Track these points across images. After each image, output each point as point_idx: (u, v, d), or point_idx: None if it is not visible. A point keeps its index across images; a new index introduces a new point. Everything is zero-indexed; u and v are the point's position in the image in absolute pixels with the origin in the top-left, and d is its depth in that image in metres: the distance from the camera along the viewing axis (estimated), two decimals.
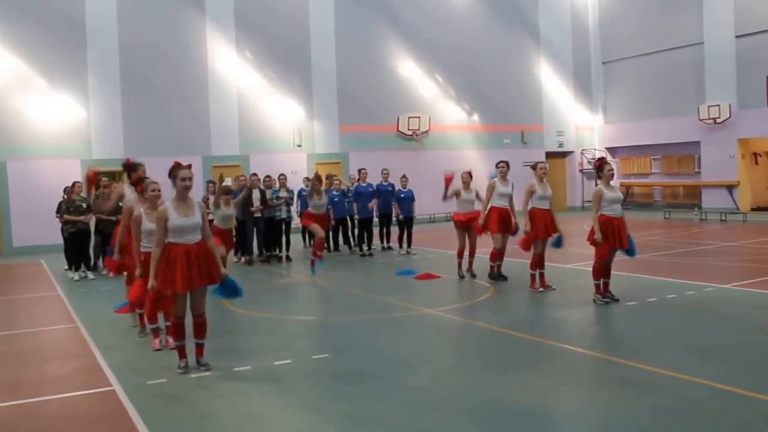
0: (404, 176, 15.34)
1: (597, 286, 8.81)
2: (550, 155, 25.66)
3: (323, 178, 13.37)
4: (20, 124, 18.05)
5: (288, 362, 6.56)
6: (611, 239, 8.54)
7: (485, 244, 11.46)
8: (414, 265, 12.76)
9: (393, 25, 23.22)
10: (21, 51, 18.09)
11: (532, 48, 26.02)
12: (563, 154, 26.87)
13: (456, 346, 7.41)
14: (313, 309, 9.76)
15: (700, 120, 23.14)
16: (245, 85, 20.92)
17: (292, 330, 8.23)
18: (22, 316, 9.74)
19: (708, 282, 10.02)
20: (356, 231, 15.50)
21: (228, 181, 14.97)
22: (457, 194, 11.07)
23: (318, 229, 12.34)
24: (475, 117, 24.82)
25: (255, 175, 14.97)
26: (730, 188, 22.89)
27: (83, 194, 13.10)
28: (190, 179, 6.25)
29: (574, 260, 12.32)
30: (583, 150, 27.00)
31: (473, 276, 11.05)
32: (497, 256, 10.58)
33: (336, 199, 14.86)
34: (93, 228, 13.07)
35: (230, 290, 6.44)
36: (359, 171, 15.74)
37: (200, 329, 6.33)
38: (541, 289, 9.74)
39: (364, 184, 15.34)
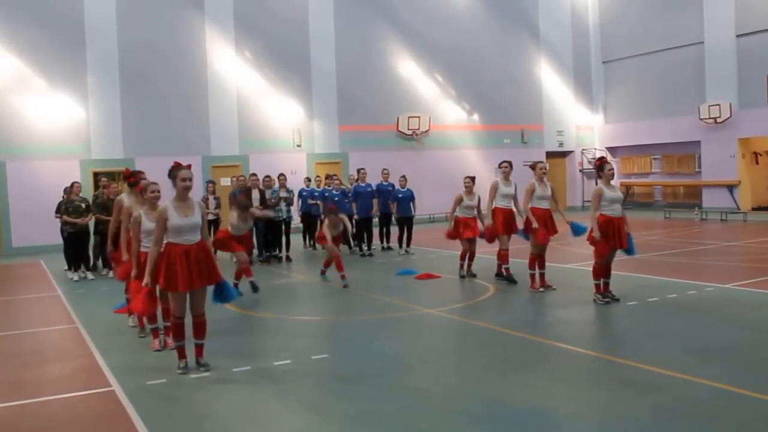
0: (403, 177, 15.35)
1: (597, 286, 8.80)
2: (550, 155, 25.65)
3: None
4: (19, 125, 18.03)
5: (288, 362, 6.55)
6: (611, 239, 8.53)
7: (485, 244, 11.45)
8: (414, 265, 12.75)
9: (393, 25, 23.20)
10: (20, 51, 18.08)
11: (532, 47, 26.00)
12: (563, 154, 26.86)
13: (456, 346, 7.39)
14: (313, 309, 9.75)
15: (701, 119, 23.12)
16: (245, 85, 20.91)
17: (292, 330, 8.21)
18: (22, 316, 9.73)
19: (708, 282, 10.01)
20: (354, 231, 15.48)
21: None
22: (459, 201, 11.04)
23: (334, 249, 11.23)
24: (475, 117, 24.81)
25: (254, 175, 14.96)
26: (731, 188, 22.88)
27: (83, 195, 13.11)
28: (191, 179, 6.24)
29: (574, 260, 12.31)
30: (583, 150, 26.99)
31: (473, 276, 11.06)
32: (506, 257, 10.47)
33: (336, 199, 14.84)
34: (92, 228, 13.07)
35: (225, 294, 6.43)
36: (358, 171, 15.74)
37: (200, 329, 6.32)
38: (541, 289, 9.72)
39: (363, 184, 15.33)
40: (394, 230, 15.43)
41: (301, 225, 16.28)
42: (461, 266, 11.20)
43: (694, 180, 24.23)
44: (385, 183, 15.34)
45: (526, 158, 21.34)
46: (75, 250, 12.81)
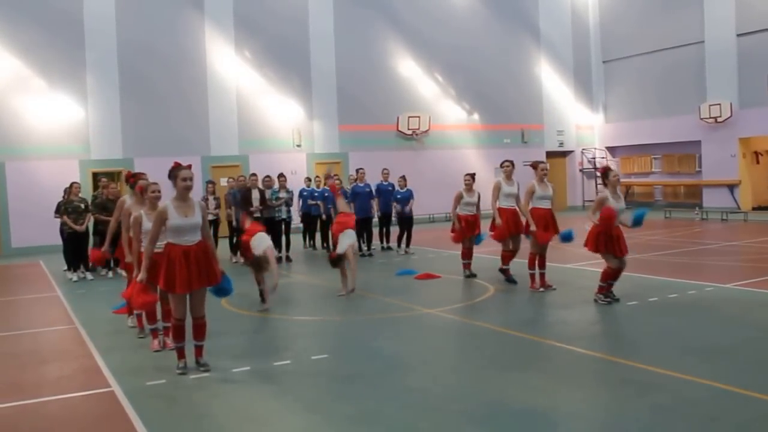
0: (402, 177, 15.34)
1: (602, 287, 8.77)
2: (550, 155, 25.63)
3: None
4: (19, 125, 18.02)
5: (287, 363, 6.55)
6: (611, 247, 8.51)
7: (486, 244, 11.44)
8: (414, 265, 12.75)
9: (393, 24, 23.20)
10: (19, 51, 18.07)
11: (532, 47, 25.99)
12: (563, 154, 26.85)
13: (456, 346, 7.39)
14: (313, 309, 9.74)
15: (701, 119, 23.11)
16: (244, 85, 20.90)
17: (291, 330, 8.21)
18: (21, 317, 9.73)
19: (709, 282, 10.00)
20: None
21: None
22: (459, 198, 11.02)
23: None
24: (476, 116, 24.80)
25: (254, 175, 14.94)
26: (731, 187, 22.87)
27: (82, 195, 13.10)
28: (191, 179, 6.24)
29: (574, 260, 12.30)
30: (583, 149, 26.98)
31: (473, 276, 11.05)
32: (509, 258, 10.38)
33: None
34: (92, 229, 13.07)
35: (223, 290, 6.43)
36: (357, 171, 15.72)
37: (200, 331, 6.31)
38: (541, 289, 9.71)
39: (362, 185, 15.31)
40: (394, 230, 15.42)
41: (301, 225, 16.27)
42: (466, 266, 11.19)
43: (694, 180, 24.22)
44: (385, 183, 15.32)
45: (527, 158, 21.27)
46: (74, 251, 12.82)
